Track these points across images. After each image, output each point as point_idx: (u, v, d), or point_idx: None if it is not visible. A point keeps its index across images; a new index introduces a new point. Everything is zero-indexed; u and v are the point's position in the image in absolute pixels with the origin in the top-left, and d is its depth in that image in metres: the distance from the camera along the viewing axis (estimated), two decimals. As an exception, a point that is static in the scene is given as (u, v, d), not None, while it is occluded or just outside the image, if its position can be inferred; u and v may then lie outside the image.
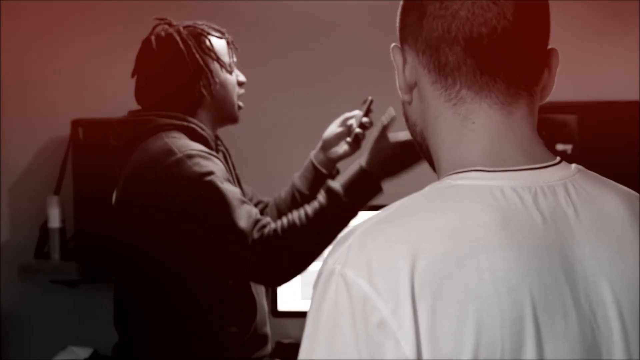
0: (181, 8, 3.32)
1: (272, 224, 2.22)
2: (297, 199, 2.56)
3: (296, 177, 2.58)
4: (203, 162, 2.23)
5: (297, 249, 2.23)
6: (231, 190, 2.22)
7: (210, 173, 2.21)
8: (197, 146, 2.28)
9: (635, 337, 1.03)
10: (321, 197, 2.26)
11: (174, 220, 2.23)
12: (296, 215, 2.24)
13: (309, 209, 2.25)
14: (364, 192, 2.28)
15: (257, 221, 2.22)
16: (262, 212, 2.60)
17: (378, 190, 2.30)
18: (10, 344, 3.63)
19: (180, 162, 2.22)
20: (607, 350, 1.02)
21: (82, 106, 3.47)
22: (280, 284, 2.39)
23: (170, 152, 2.25)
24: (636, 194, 1.14)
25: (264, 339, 2.43)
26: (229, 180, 2.26)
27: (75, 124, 3.40)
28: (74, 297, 3.57)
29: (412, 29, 1.12)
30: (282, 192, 2.62)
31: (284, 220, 2.23)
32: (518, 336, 0.98)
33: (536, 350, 0.98)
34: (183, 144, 2.28)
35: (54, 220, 3.42)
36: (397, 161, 2.33)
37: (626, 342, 1.03)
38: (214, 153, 2.32)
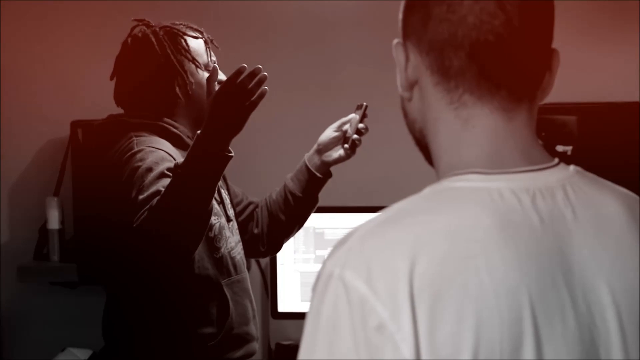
0: (177, 9, 3.32)
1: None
2: (289, 201, 2.57)
3: (289, 178, 2.58)
4: (152, 153, 2.22)
5: (167, 219, 2.08)
6: (153, 174, 2.17)
7: (143, 160, 2.19)
8: (162, 146, 2.27)
9: (633, 339, 1.03)
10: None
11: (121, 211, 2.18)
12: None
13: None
14: (206, 157, 2.12)
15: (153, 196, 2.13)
16: (252, 213, 2.62)
17: (219, 147, 2.13)
18: (10, 345, 3.63)
19: (131, 155, 2.23)
20: (606, 351, 1.02)
21: (81, 107, 3.47)
22: (182, 253, 2.17)
23: (130, 149, 2.25)
24: (634, 195, 1.14)
25: (243, 338, 2.42)
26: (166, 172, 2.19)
27: (75, 125, 3.40)
28: (73, 299, 3.57)
29: (416, 29, 1.11)
30: (273, 193, 2.62)
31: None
32: (517, 337, 0.98)
33: (535, 351, 0.98)
34: (147, 141, 2.28)
35: (53, 221, 3.42)
36: (227, 110, 2.14)
37: (624, 343, 1.03)
38: (168, 151, 2.28)
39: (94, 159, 2.39)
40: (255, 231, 2.61)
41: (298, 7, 3.53)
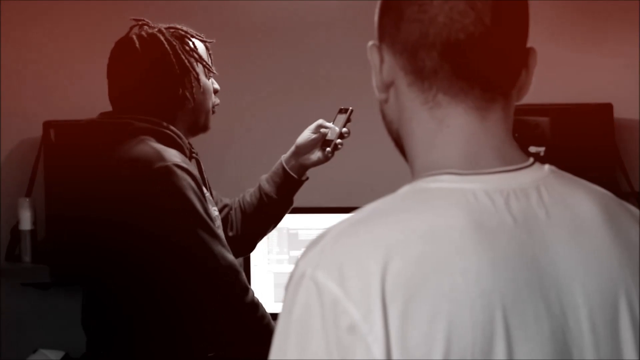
0: (156, 8, 3.31)
1: (256, 297, 2.27)
2: (265, 203, 2.55)
3: (264, 180, 2.56)
4: (189, 179, 2.19)
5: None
6: (215, 230, 2.23)
7: (194, 193, 2.20)
8: (181, 157, 2.24)
9: (605, 339, 1.03)
10: None
11: (154, 220, 2.18)
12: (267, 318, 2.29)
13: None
14: None
15: (239, 273, 2.23)
16: (227, 216, 2.60)
17: None
18: (-19, 347, 3.60)
19: (169, 170, 2.16)
20: (578, 352, 1.02)
21: (54, 108, 3.45)
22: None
23: (159, 157, 2.18)
24: (609, 193, 1.14)
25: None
26: (203, 204, 2.23)
27: (47, 125, 3.37)
28: (45, 300, 3.55)
29: (389, 30, 1.12)
30: (247, 194, 2.60)
31: (267, 314, 2.29)
32: (489, 339, 0.98)
33: (506, 353, 0.98)
34: (168, 151, 2.22)
35: (25, 222, 3.40)
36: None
37: (597, 343, 1.03)
38: (192, 166, 2.27)
39: (74, 158, 2.34)
40: (230, 234, 2.57)
41: (282, 8, 3.53)
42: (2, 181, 3.56)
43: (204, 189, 2.29)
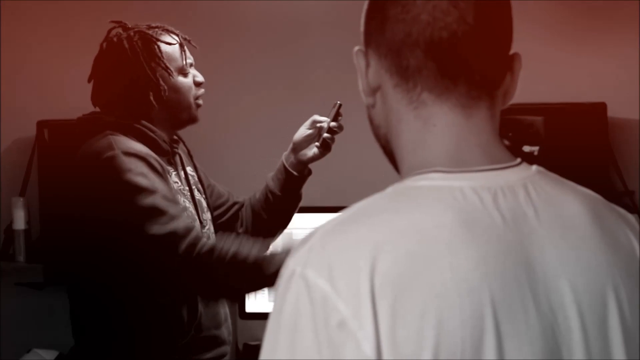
0: (147, 8, 3.31)
1: (207, 243, 2.24)
2: (270, 200, 2.61)
3: (269, 177, 2.62)
4: (136, 162, 2.25)
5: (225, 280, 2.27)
6: (166, 201, 2.24)
7: (141, 174, 2.24)
8: (139, 147, 2.30)
9: (595, 337, 1.04)
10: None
11: (107, 216, 2.24)
12: (243, 251, 2.26)
13: (257, 256, 2.26)
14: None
15: (188, 231, 2.23)
16: (238, 213, 2.65)
17: None
18: (-25, 347, 3.60)
19: (115, 157, 2.24)
20: (567, 349, 1.03)
21: (47, 107, 3.45)
22: (210, 299, 2.42)
23: (109, 147, 2.26)
24: (595, 195, 1.15)
25: (212, 341, 2.43)
26: (166, 196, 2.26)
27: (41, 125, 3.38)
28: (39, 300, 3.55)
29: (375, 33, 1.13)
30: (257, 192, 2.66)
31: (228, 247, 2.25)
32: (478, 336, 0.98)
33: (496, 350, 0.98)
34: (124, 142, 2.30)
35: (19, 222, 3.40)
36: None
37: (586, 341, 1.03)
38: (155, 156, 2.32)
39: (67, 157, 2.40)
40: (240, 230, 2.64)
41: (271, 8, 3.53)
42: (-4, 181, 3.56)
43: (166, 173, 2.33)
